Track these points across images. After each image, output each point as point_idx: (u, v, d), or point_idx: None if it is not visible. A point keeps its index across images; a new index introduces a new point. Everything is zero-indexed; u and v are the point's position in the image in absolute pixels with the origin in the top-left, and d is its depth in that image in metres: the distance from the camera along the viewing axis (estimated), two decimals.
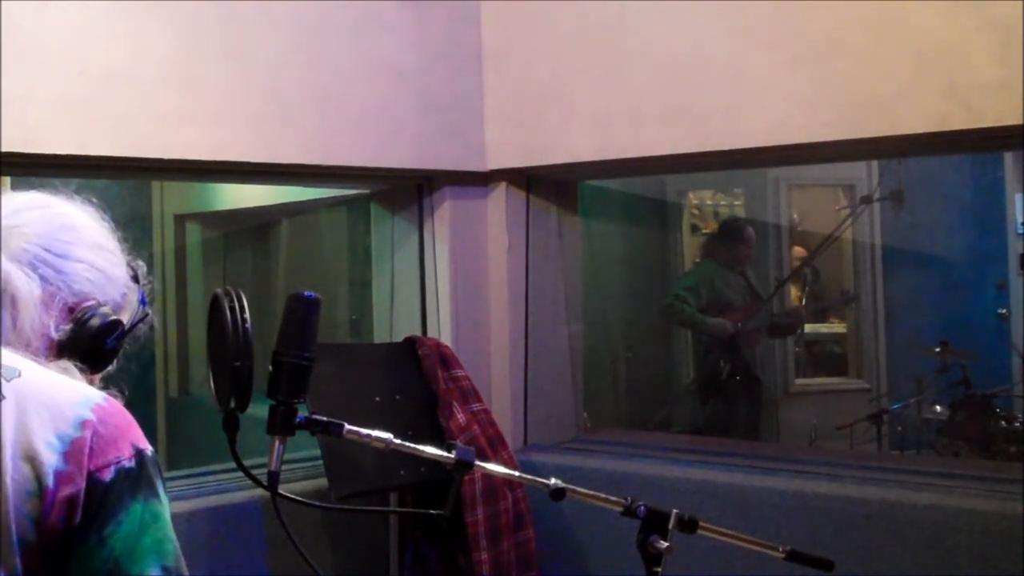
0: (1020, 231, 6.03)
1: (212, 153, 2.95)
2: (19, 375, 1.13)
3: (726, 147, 3.06)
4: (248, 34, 3.00)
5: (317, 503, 1.96)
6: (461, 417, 3.18)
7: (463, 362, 3.36)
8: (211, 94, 2.93)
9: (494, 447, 3.23)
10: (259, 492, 2.82)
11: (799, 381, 6.59)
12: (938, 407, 5.41)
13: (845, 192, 6.65)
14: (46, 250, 1.25)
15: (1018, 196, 6.05)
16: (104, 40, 2.73)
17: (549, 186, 3.72)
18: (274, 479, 1.49)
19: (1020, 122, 2.51)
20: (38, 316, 1.22)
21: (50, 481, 1.07)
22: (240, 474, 1.60)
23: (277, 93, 3.07)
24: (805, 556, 1.74)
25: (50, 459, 1.08)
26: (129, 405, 1.20)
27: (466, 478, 2.62)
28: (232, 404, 1.48)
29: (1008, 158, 5.95)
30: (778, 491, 2.99)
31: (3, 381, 1.11)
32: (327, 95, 3.18)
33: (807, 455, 3.51)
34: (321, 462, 2.94)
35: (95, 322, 1.26)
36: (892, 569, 2.77)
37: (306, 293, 1.50)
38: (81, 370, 1.25)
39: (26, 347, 1.21)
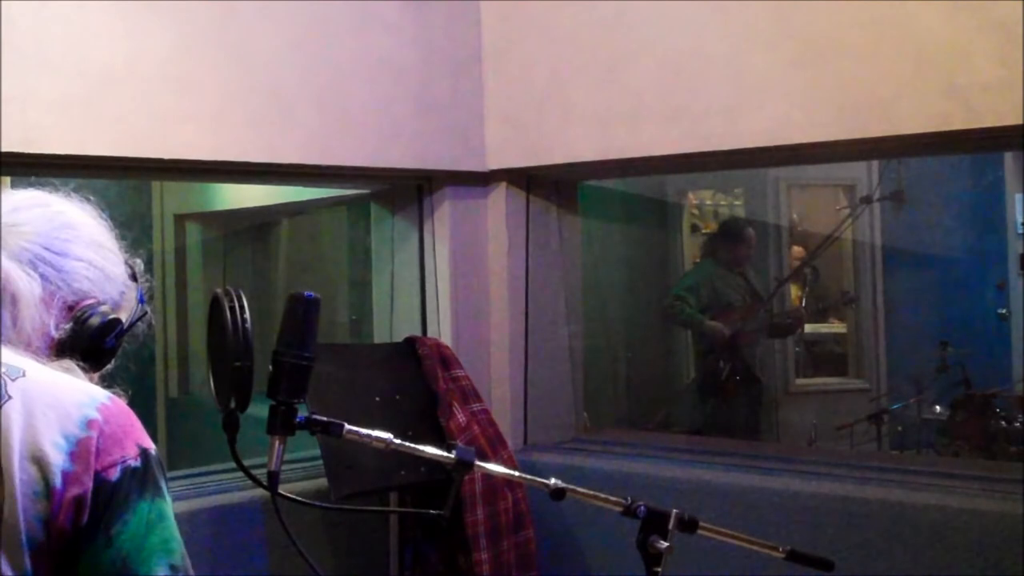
0: (1020, 231, 6.02)
1: (212, 153, 2.95)
2: (24, 375, 1.13)
3: (726, 147, 3.06)
4: (248, 34, 3.00)
5: (317, 503, 1.96)
6: (461, 417, 3.18)
7: (463, 362, 3.36)
8: (211, 94, 2.93)
9: (494, 447, 3.23)
10: (259, 492, 2.81)
11: (799, 381, 6.59)
12: (938, 407, 5.41)
13: (845, 192, 6.65)
14: (46, 248, 1.25)
15: (1018, 196, 6.04)
16: (104, 40, 2.73)
17: (549, 186, 3.72)
18: (274, 479, 1.49)
19: (1020, 122, 2.51)
20: (38, 315, 1.22)
21: (58, 482, 1.07)
22: (240, 474, 1.60)
23: (277, 93, 3.07)
24: (805, 556, 1.74)
25: (57, 459, 1.08)
26: (129, 405, 1.20)
27: (466, 478, 2.63)
28: (232, 404, 1.48)
29: (1008, 158, 5.94)
30: (778, 491, 2.99)
31: (8, 381, 1.11)
32: (327, 95, 3.18)
33: (807, 455, 3.51)
34: (321, 462, 2.94)
35: (95, 320, 1.26)
36: (892, 569, 2.77)
37: (306, 293, 1.49)
38: (83, 369, 1.25)
39: (26, 346, 1.21)
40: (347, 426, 1.52)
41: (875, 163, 6.04)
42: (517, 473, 1.74)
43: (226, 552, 2.97)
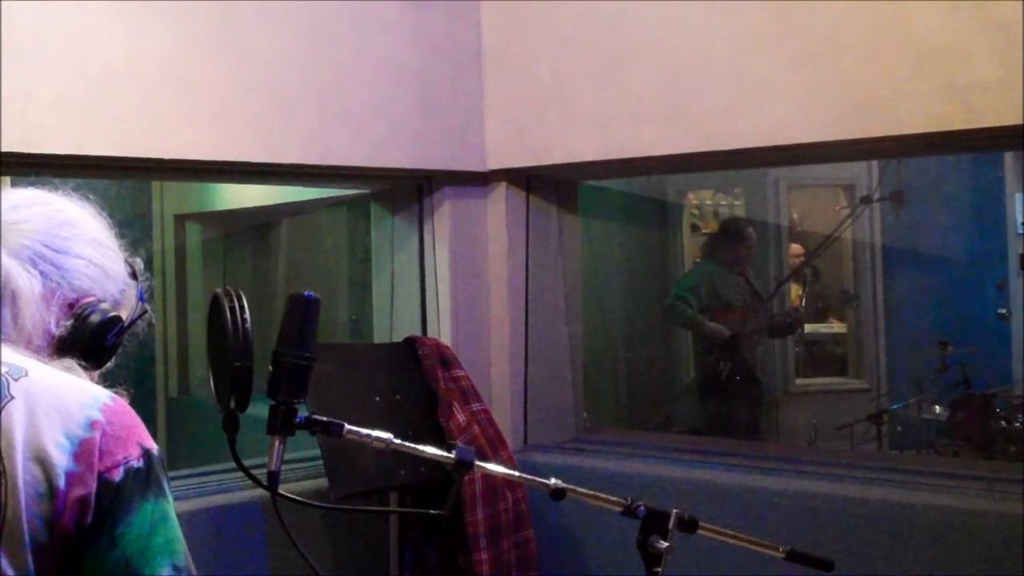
0: (1020, 231, 6.03)
1: (212, 153, 2.95)
2: (26, 374, 1.13)
3: (726, 147, 3.06)
4: (248, 34, 3.00)
5: (317, 503, 1.96)
6: (461, 417, 3.18)
7: (463, 362, 3.36)
8: (211, 94, 2.93)
9: (494, 447, 3.23)
10: (259, 492, 2.82)
11: (799, 381, 6.60)
12: (938, 407, 5.41)
13: (845, 192, 6.66)
14: (46, 246, 1.25)
15: (1018, 196, 6.04)
16: (104, 40, 2.73)
17: (549, 186, 3.72)
18: (274, 479, 1.49)
19: (1020, 122, 2.51)
20: (39, 313, 1.22)
21: (61, 482, 1.07)
22: (240, 474, 1.60)
23: (277, 93, 3.07)
24: (805, 556, 1.74)
25: (60, 460, 1.08)
26: (130, 405, 1.20)
27: (466, 478, 2.63)
28: (232, 404, 1.48)
29: (1008, 158, 5.95)
30: (778, 491, 2.99)
31: (11, 381, 1.11)
32: (327, 95, 3.18)
33: (807, 455, 3.51)
34: (321, 462, 2.94)
35: (95, 318, 1.26)
36: (892, 569, 2.77)
37: (306, 293, 1.50)
38: (83, 367, 1.25)
39: (27, 344, 1.21)
40: (347, 426, 1.52)
41: (875, 163, 6.04)
42: (517, 473, 1.74)
43: (226, 552, 2.97)
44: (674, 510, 1.62)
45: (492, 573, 3.06)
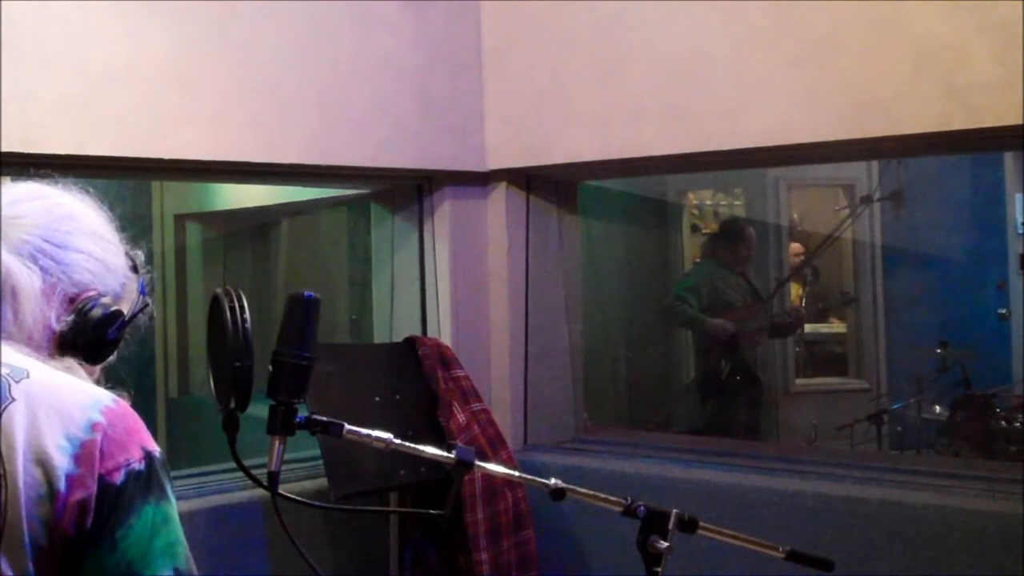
0: (1020, 231, 6.03)
1: (212, 153, 2.95)
2: (27, 376, 1.12)
3: (726, 147, 3.06)
4: (248, 34, 3.00)
5: (317, 503, 1.96)
6: (461, 417, 3.18)
7: (463, 362, 3.36)
8: (211, 94, 2.93)
9: (494, 447, 3.23)
10: (259, 492, 2.82)
11: (799, 381, 6.59)
12: (938, 407, 5.41)
13: (845, 192, 6.65)
14: (46, 241, 1.24)
15: (1018, 196, 6.04)
16: (104, 40, 2.73)
17: (549, 186, 3.72)
18: (274, 479, 1.49)
19: (1020, 122, 2.51)
20: (39, 308, 1.21)
21: (61, 485, 1.07)
22: (240, 474, 1.60)
23: (277, 93, 3.07)
24: (805, 556, 1.74)
25: (61, 462, 1.07)
26: (131, 405, 1.20)
27: (466, 478, 2.63)
28: (232, 404, 1.48)
29: (1008, 158, 5.94)
30: (778, 491, 2.99)
31: (12, 383, 1.11)
32: (327, 95, 3.18)
33: (807, 455, 3.51)
34: (321, 462, 2.94)
35: (96, 313, 1.25)
36: (892, 569, 2.77)
37: (306, 293, 1.49)
38: (82, 365, 1.25)
39: (28, 340, 1.20)
40: (347, 426, 1.52)
41: (875, 163, 6.04)
42: (517, 473, 1.74)
43: (226, 552, 2.97)
44: (674, 510, 1.62)
45: (492, 573, 3.06)
